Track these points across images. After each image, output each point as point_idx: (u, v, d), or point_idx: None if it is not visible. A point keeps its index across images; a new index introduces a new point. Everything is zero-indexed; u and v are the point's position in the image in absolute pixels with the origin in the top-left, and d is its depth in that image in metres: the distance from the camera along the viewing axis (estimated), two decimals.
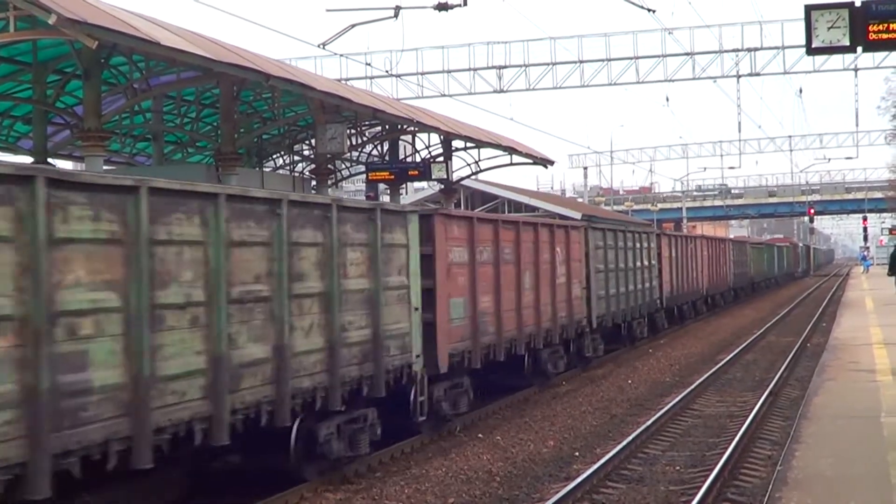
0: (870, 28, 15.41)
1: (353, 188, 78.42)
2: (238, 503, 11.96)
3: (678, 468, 14.27)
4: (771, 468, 13.25)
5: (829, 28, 15.52)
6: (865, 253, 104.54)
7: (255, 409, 11.10)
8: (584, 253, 24.46)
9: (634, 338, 30.49)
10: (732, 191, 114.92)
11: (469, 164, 41.02)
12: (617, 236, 27.96)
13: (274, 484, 12.51)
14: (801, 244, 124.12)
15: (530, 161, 41.54)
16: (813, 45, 15.77)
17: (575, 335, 23.58)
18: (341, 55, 40.36)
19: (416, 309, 14.98)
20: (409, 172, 36.55)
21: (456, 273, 16.84)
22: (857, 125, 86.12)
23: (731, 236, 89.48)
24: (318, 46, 30.78)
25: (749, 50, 46.69)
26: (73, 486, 9.27)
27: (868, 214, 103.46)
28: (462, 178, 42.67)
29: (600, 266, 25.75)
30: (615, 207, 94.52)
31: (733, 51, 46.88)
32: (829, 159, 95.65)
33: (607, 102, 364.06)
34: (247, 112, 32.11)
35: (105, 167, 25.80)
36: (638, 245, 30.36)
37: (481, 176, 45.42)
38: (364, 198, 44.25)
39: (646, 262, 31.45)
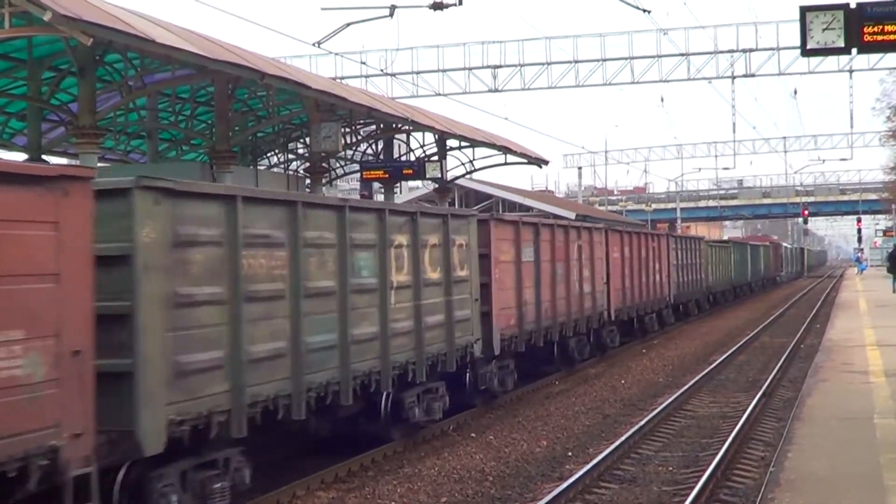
0: (864, 30, 15.41)
1: (347, 187, 78.36)
2: (239, 502, 11.95)
3: (671, 469, 14.28)
4: (764, 469, 13.26)
5: (823, 29, 15.53)
6: (860, 254, 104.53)
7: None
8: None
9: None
10: (729, 190, 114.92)
11: (463, 164, 41.01)
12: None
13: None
14: (785, 244, 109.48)
15: (525, 161, 41.55)
16: (808, 47, 15.77)
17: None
18: (336, 54, 40.38)
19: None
20: (404, 171, 36.56)
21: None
22: (851, 126, 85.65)
23: (679, 232, 74.45)
24: (313, 45, 30.84)
25: (744, 51, 46.74)
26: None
27: (862, 216, 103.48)
28: (456, 178, 42.64)
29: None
30: (609, 207, 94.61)
31: (728, 52, 46.94)
32: (824, 160, 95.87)
33: (602, 102, 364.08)
34: (241, 110, 32.07)
35: (99, 165, 25.76)
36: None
37: (476, 175, 45.43)
38: (358, 196, 44.23)
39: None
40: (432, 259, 15.85)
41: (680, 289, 37.99)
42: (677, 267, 37.32)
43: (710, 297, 47.27)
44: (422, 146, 38.73)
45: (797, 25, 15.77)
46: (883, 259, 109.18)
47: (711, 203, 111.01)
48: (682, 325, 38.95)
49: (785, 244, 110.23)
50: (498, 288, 18.93)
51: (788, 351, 27.63)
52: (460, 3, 28.65)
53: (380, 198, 38.46)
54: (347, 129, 34.28)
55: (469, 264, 17.32)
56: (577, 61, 47.82)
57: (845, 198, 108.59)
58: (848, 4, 15.55)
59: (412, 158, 38.59)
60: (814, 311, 44.49)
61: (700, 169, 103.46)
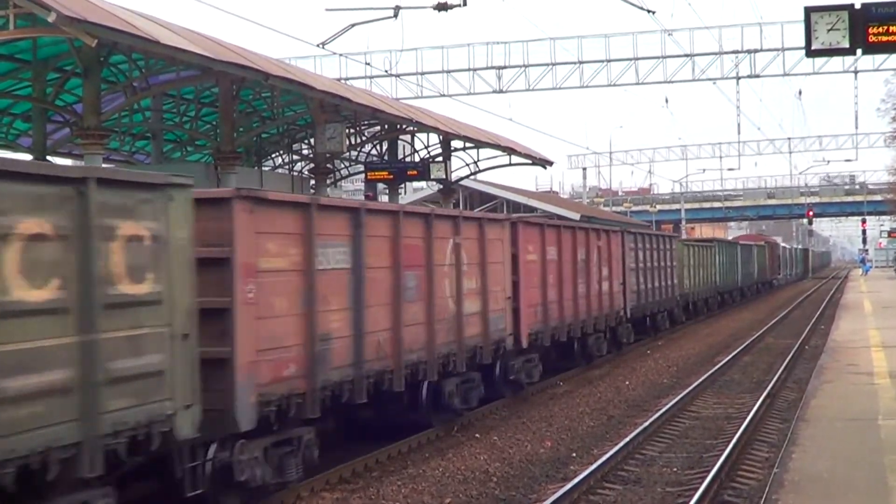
0: (869, 30, 15.40)
1: (351, 188, 78.37)
2: (243, 501, 11.96)
3: (675, 469, 14.26)
4: (768, 470, 13.25)
5: (828, 30, 15.52)
6: (864, 255, 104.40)
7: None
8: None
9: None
10: (733, 191, 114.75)
11: (468, 165, 41.06)
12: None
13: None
14: (783, 244, 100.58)
15: (529, 161, 41.56)
16: (812, 48, 15.76)
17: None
18: (341, 55, 40.38)
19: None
20: (408, 172, 36.58)
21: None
22: (856, 127, 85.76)
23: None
24: (318, 46, 30.82)
25: (749, 51, 46.73)
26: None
27: (867, 217, 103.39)
28: (461, 179, 42.69)
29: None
30: (614, 208, 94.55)
31: (733, 52, 46.92)
32: (829, 161, 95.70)
33: (607, 103, 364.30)
34: (246, 111, 32.12)
35: (104, 165, 25.79)
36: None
37: (480, 176, 45.46)
38: (363, 197, 44.24)
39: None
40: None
41: (640, 302, 30.57)
42: (637, 271, 30.32)
43: (689, 306, 40.33)
44: (426, 147, 38.76)
45: (802, 26, 15.77)
46: (889, 260, 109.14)
47: (716, 204, 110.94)
48: (688, 327, 38.91)
49: (783, 244, 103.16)
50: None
51: (793, 352, 27.59)
52: (465, 3, 28.63)
53: (384, 198, 38.50)
54: (352, 130, 34.32)
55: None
56: (581, 62, 47.82)
57: (850, 199, 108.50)
58: (853, 5, 15.54)
59: (416, 159, 38.62)
60: (818, 313, 44.44)
61: (704, 170, 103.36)
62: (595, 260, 25.29)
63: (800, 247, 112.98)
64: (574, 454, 15.39)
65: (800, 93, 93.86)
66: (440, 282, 15.99)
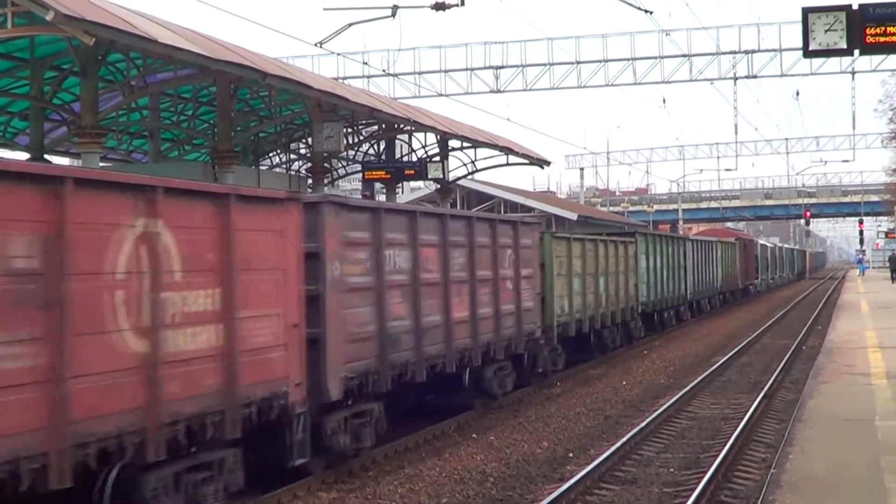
0: (867, 31, 15.43)
1: (349, 187, 78.37)
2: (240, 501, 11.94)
3: (672, 470, 14.27)
4: (765, 471, 13.25)
5: (826, 31, 15.54)
6: (861, 256, 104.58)
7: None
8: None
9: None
10: (731, 192, 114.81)
11: (465, 164, 41.04)
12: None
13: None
14: (761, 241, 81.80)
15: (526, 161, 41.56)
16: (810, 48, 15.79)
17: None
18: (338, 54, 40.34)
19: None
20: (406, 172, 36.57)
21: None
22: (853, 128, 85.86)
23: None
24: (315, 45, 30.79)
25: (746, 52, 46.73)
26: None
27: (864, 217, 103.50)
28: (458, 178, 42.68)
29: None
30: (611, 208, 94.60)
31: (730, 53, 46.93)
32: (826, 162, 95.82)
33: (604, 103, 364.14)
34: (243, 110, 32.10)
35: (101, 164, 25.78)
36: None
37: (477, 176, 45.44)
38: (360, 196, 44.24)
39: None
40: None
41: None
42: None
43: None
44: (424, 147, 38.75)
45: (799, 27, 15.79)
46: (885, 261, 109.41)
47: (713, 204, 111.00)
48: (685, 327, 38.90)
49: (764, 241, 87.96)
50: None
51: (790, 352, 27.60)
52: (462, 3, 28.62)
53: (381, 198, 38.46)
54: (349, 130, 34.31)
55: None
56: (579, 62, 47.80)
57: (847, 199, 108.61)
58: (850, 6, 15.57)
59: (414, 159, 38.60)
60: (815, 313, 44.47)
61: (702, 170, 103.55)
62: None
63: (786, 246, 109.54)
64: (571, 454, 15.39)
65: (797, 93, 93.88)
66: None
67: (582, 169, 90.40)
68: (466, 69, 48.12)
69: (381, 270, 14.20)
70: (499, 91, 48.31)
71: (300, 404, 11.78)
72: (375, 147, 38.62)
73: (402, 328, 14.79)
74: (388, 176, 36.39)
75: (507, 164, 41.30)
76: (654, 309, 33.72)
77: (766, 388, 20.71)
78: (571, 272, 24.02)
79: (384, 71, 45.17)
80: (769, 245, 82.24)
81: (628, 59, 47.59)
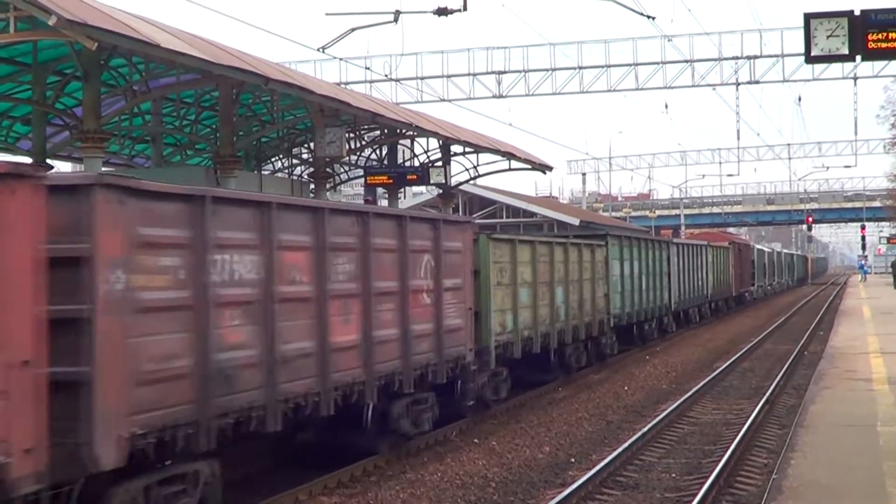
0: (869, 37, 15.43)
1: (351, 192, 78.42)
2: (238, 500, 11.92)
3: (674, 475, 14.26)
4: (767, 476, 13.25)
5: (828, 36, 15.55)
6: (863, 262, 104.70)
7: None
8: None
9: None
10: (733, 197, 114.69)
11: (467, 169, 41.06)
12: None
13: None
14: (762, 247, 79.38)
15: (529, 166, 41.56)
16: (812, 54, 15.79)
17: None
18: (341, 59, 40.43)
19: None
20: (408, 177, 36.62)
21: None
22: (855, 134, 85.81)
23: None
24: (318, 50, 30.79)
25: (748, 58, 46.72)
26: None
27: (866, 223, 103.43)
28: (460, 183, 42.69)
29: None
30: (613, 214, 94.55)
31: (732, 58, 46.93)
32: (828, 167, 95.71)
33: (606, 109, 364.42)
34: (246, 115, 32.12)
35: (104, 169, 25.78)
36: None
37: (479, 181, 45.45)
38: (362, 202, 44.23)
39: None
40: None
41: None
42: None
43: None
44: (426, 152, 38.78)
45: (801, 32, 15.80)
46: (887, 267, 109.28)
47: (715, 210, 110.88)
48: (686, 333, 38.87)
49: (762, 246, 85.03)
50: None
51: (792, 358, 27.59)
52: (465, 8, 28.62)
53: (383, 203, 38.45)
54: (352, 135, 34.33)
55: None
56: (581, 67, 47.82)
57: (849, 205, 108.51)
58: (852, 11, 15.57)
59: (416, 164, 38.63)
60: (817, 319, 44.44)
61: (704, 175, 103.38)
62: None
63: (786, 251, 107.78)
64: (573, 459, 15.38)
65: (799, 99, 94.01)
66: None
67: (584, 174, 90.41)
68: (469, 74, 48.14)
69: (206, 282, 10.50)
70: (501, 96, 48.33)
71: (28, 481, 7.91)
72: (377, 152, 38.64)
73: (243, 360, 11.09)
74: (391, 181, 36.43)
75: (510, 170, 41.29)
76: (630, 321, 30.18)
77: (767, 394, 20.68)
78: (517, 281, 20.19)
79: (386, 76, 45.20)
80: (767, 250, 79.78)
81: (630, 65, 47.61)
